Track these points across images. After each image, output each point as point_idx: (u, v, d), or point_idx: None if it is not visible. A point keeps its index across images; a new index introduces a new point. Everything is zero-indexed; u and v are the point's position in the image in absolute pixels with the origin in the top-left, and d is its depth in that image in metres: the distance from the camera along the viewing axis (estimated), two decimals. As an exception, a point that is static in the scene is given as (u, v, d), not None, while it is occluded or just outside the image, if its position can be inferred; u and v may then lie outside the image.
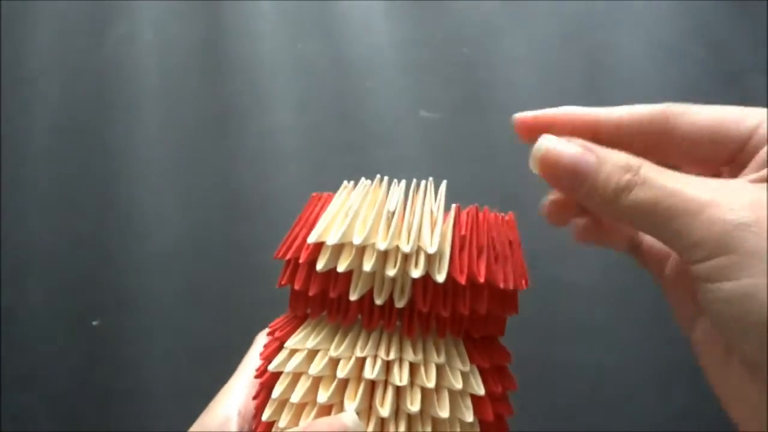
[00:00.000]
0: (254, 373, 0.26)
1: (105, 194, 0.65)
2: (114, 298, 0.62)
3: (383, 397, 0.22)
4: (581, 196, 0.21)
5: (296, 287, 0.24)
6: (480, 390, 0.23)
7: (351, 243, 0.23)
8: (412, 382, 0.23)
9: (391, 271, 0.22)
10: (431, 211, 0.23)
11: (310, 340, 0.24)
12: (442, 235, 0.23)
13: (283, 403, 0.24)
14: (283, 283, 0.25)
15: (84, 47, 0.69)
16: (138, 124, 0.66)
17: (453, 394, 0.23)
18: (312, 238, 0.23)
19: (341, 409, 0.22)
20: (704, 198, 0.19)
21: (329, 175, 0.63)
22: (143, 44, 0.69)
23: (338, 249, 0.23)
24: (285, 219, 0.72)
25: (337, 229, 0.23)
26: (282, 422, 0.23)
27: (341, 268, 0.23)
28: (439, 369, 0.23)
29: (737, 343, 0.19)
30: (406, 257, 0.22)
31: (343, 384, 0.23)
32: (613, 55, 0.63)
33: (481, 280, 0.22)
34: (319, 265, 0.23)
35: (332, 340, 0.23)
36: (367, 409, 0.23)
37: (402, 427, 0.22)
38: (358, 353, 0.23)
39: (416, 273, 0.22)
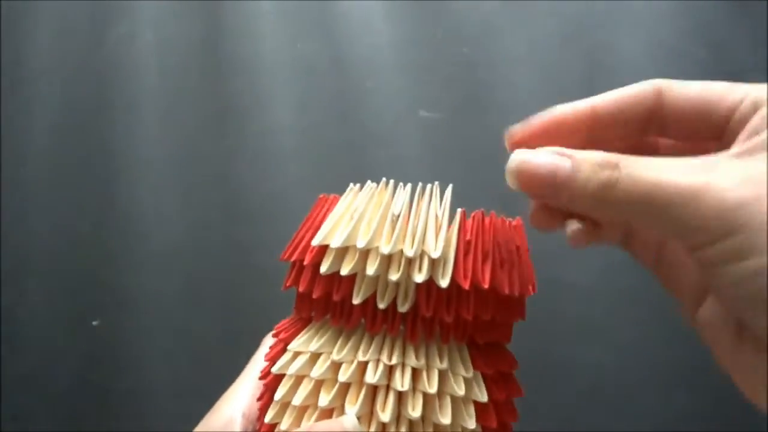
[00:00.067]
0: (259, 375, 0.26)
1: (105, 194, 0.65)
2: (114, 298, 0.62)
3: (384, 402, 0.22)
4: (566, 202, 0.21)
5: (301, 289, 0.24)
6: (483, 397, 0.23)
7: (355, 246, 0.22)
8: (414, 388, 0.22)
9: (394, 276, 0.22)
10: (436, 216, 0.23)
11: (313, 343, 0.24)
12: (447, 240, 0.22)
13: (285, 405, 0.24)
14: (288, 284, 0.25)
15: (84, 47, 0.69)
16: (138, 124, 0.66)
17: (455, 401, 0.22)
18: (316, 241, 0.23)
19: (342, 413, 0.22)
20: (697, 182, 0.18)
21: (329, 174, 0.64)
22: (143, 44, 0.69)
23: (342, 252, 0.23)
24: (285, 219, 0.72)
25: (341, 232, 0.23)
26: (284, 425, 0.23)
27: (344, 271, 0.22)
28: (442, 375, 0.22)
29: (752, 321, 0.18)
30: (409, 261, 0.22)
31: (345, 388, 0.23)
32: (613, 55, 0.63)
33: (486, 285, 0.22)
34: (323, 268, 0.23)
35: (335, 344, 0.23)
36: (368, 414, 0.22)
37: None
38: (361, 357, 0.23)
39: (419, 278, 0.22)
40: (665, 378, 0.57)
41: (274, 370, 0.24)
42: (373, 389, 0.23)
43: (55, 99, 0.68)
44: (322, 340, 0.24)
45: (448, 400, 0.22)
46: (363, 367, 0.23)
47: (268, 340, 0.30)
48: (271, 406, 0.24)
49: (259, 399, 0.26)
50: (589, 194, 0.20)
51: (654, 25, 0.64)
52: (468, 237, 0.23)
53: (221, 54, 0.68)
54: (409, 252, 0.22)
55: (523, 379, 0.26)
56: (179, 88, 0.67)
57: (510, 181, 0.22)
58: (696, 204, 0.18)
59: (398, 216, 0.23)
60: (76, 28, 0.70)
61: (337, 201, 0.25)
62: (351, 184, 0.25)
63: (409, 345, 0.23)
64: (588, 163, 0.20)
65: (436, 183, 0.24)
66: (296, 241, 0.25)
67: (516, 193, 0.22)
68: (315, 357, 0.23)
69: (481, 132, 0.59)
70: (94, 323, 0.62)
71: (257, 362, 0.30)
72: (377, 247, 0.22)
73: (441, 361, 0.23)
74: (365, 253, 0.23)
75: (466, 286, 0.22)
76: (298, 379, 0.23)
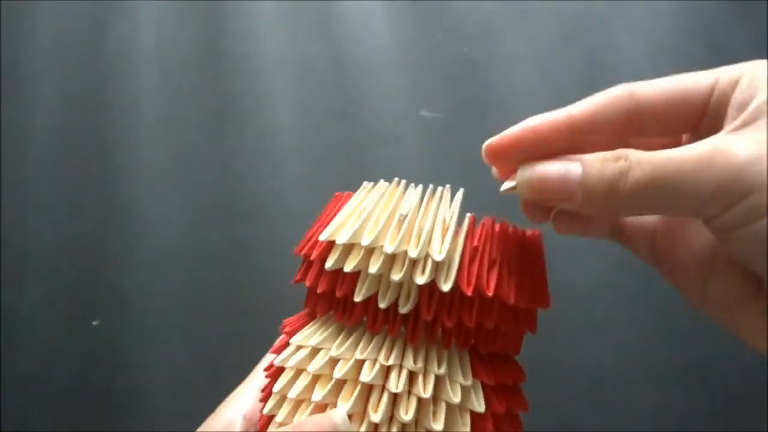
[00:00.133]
0: (264, 378, 0.26)
1: (105, 194, 0.65)
2: (114, 298, 0.62)
3: (378, 403, 0.22)
4: (581, 202, 0.21)
5: (307, 284, 0.24)
6: (480, 407, 0.22)
7: (360, 243, 0.22)
8: (409, 391, 0.22)
9: (396, 276, 0.22)
10: (444, 219, 0.23)
11: (315, 338, 0.24)
12: (453, 244, 0.22)
13: (282, 397, 0.24)
14: (297, 279, 0.25)
15: (85, 47, 0.69)
16: (138, 124, 0.66)
17: (450, 408, 0.22)
18: (324, 236, 0.23)
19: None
20: (705, 151, 0.19)
21: (329, 174, 0.64)
22: (144, 44, 0.69)
23: (348, 248, 0.23)
24: (285, 219, 0.72)
25: (348, 229, 0.23)
26: (279, 417, 0.23)
27: (348, 268, 0.22)
28: (438, 380, 0.22)
29: None
30: (413, 263, 0.22)
31: (340, 384, 0.23)
32: (613, 55, 0.63)
33: (490, 293, 0.22)
34: (328, 264, 0.23)
35: (335, 340, 0.23)
36: (360, 413, 0.22)
37: None
38: (358, 355, 0.23)
39: (421, 279, 0.22)
40: (665, 378, 0.57)
41: (276, 362, 0.24)
42: (368, 388, 0.22)
43: (56, 99, 0.68)
44: (324, 335, 0.24)
45: (442, 406, 0.22)
46: (360, 365, 0.23)
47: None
48: (271, 397, 0.24)
49: (263, 390, 0.26)
50: (603, 189, 0.20)
51: (654, 26, 0.64)
52: (475, 243, 0.22)
53: (222, 54, 0.68)
54: (413, 253, 0.22)
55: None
56: (180, 88, 0.67)
57: (524, 193, 0.22)
58: (708, 171, 0.18)
59: (406, 216, 0.22)
60: (76, 28, 0.70)
61: (350, 198, 0.25)
62: (365, 182, 0.25)
63: (409, 347, 0.23)
64: (597, 160, 0.21)
65: (447, 186, 0.24)
66: (308, 236, 0.25)
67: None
68: (315, 352, 0.23)
69: (481, 132, 0.59)
70: (94, 323, 0.62)
71: (262, 367, 0.30)
72: (381, 246, 0.22)
73: (439, 366, 0.22)
74: (369, 251, 0.23)
75: (469, 292, 0.22)
76: (297, 373, 0.24)
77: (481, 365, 0.23)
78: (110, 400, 0.60)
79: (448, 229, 0.22)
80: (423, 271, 0.22)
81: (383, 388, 0.22)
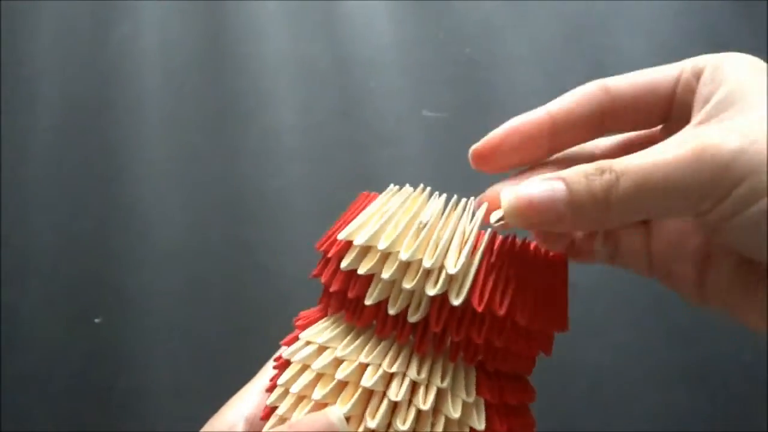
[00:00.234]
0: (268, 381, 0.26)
1: (107, 193, 0.65)
2: (116, 296, 0.62)
3: (376, 409, 0.22)
4: (571, 223, 0.21)
5: (323, 280, 0.24)
6: (479, 425, 0.22)
7: (376, 247, 0.22)
8: (409, 401, 0.22)
9: (408, 284, 0.22)
10: (464, 232, 0.22)
11: (324, 335, 0.24)
12: (469, 258, 0.22)
13: (286, 391, 0.24)
14: (314, 273, 0.25)
15: (87, 47, 0.69)
16: (141, 124, 0.67)
17: (449, 422, 0.22)
18: (342, 235, 0.23)
19: None
20: (688, 149, 0.19)
21: (332, 174, 0.64)
22: (146, 44, 0.69)
23: (365, 250, 0.23)
24: (288, 218, 0.72)
25: (367, 231, 0.23)
26: (281, 410, 0.23)
27: (362, 270, 0.22)
28: (440, 393, 0.22)
29: None
30: (427, 273, 0.22)
31: (342, 385, 0.23)
32: (615, 56, 0.64)
33: (501, 312, 0.21)
34: (343, 263, 0.23)
35: (343, 340, 0.23)
36: (359, 416, 0.22)
37: None
38: (363, 359, 0.22)
39: (432, 291, 0.21)
40: (665, 378, 0.57)
41: (284, 354, 0.24)
42: (369, 393, 0.22)
43: (58, 98, 0.68)
44: (333, 334, 0.24)
45: (442, 420, 0.22)
46: (363, 368, 0.22)
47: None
48: (275, 389, 0.24)
49: (270, 380, 0.26)
50: (593, 205, 0.20)
51: (655, 26, 0.65)
52: (493, 259, 0.22)
53: (224, 54, 0.68)
54: (427, 263, 0.21)
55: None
56: (182, 88, 0.67)
57: (512, 222, 0.21)
58: (696, 169, 0.18)
59: (426, 224, 0.22)
60: (78, 28, 0.70)
61: (374, 199, 0.24)
62: (391, 185, 0.24)
63: (415, 356, 0.22)
64: (580, 176, 0.20)
65: (472, 198, 0.23)
66: (329, 232, 0.25)
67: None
68: (322, 349, 0.23)
69: (483, 131, 0.59)
70: (96, 321, 0.62)
71: (267, 370, 0.30)
72: (397, 252, 0.22)
73: (442, 379, 0.22)
74: (385, 256, 0.22)
75: (480, 309, 0.21)
76: (302, 368, 0.24)
77: (487, 382, 0.23)
78: (111, 399, 0.60)
79: (466, 242, 0.22)
80: (436, 283, 0.21)
81: (384, 394, 0.22)
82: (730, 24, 0.64)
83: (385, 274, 0.22)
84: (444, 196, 0.23)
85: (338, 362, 0.23)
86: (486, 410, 0.22)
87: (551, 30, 0.66)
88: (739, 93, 0.20)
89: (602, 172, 0.20)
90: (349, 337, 0.23)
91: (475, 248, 0.22)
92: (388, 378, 0.22)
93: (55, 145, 0.67)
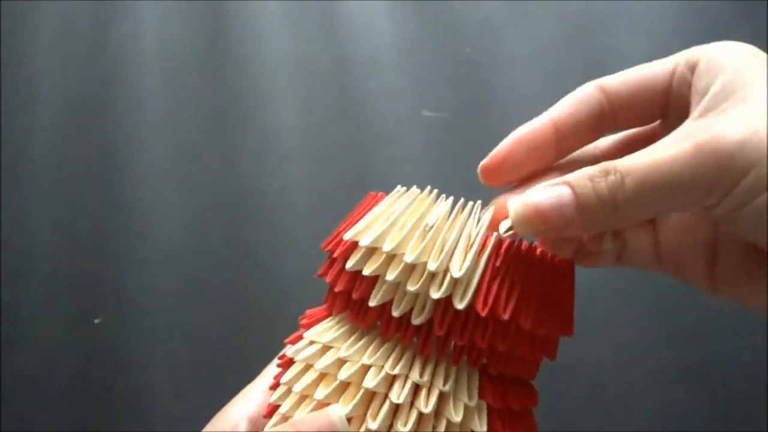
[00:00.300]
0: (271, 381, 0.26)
1: (107, 193, 0.65)
2: (116, 296, 0.62)
3: (378, 410, 0.22)
4: (580, 227, 0.21)
5: (328, 280, 0.24)
6: (481, 428, 0.22)
7: (381, 248, 0.22)
8: (411, 403, 0.22)
9: (412, 286, 0.22)
10: (469, 235, 0.22)
11: (327, 335, 0.24)
12: (474, 262, 0.22)
13: (289, 389, 0.24)
14: (319, 273, 0.25)
15: (87, 46, 0.69)
16: (141, 124, 0.67)
17: (451, 425, 0.22)
18: (348, 236, 0.23)
19: None
20: (692, 144, 0.19)
21: (332, 174, 0.64)
22: (146, 44, 0.69)
23: (370, 251, 0.23)
24: (287, 218, 0.72)
25: (372, 232, 0.23)
26: (283, 408, 0.23)
27: (367, 271, 0.22)
28: (442, 396, 0.22)
29: None
30: (431, 276, 0.22)
31: (344, 386, 0.23)
32: (615, 56, 0.64)
33: (505, 317, 0.21)
34: (349, 264, 0.23)
35: (346, 340, 0.23)
36: (360, 417, 0.22)
37: None
38: (365, 360, 0.22)
39: (436, 294, 0.21)
40: (665, 378, 0.57)
41: (288, 353, 0.24)
42: (371, 394, 0.22)
43: (58, 98, 0.68)
44: (336, 334, 0.24)
45: (443, 423, 0.22)
46: (365, 369, 0.22)
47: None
48: (279, 387, 0.24)
49: (275, 378, 0.26)
50: (601, 207, 0.20)
51: (656, 26, 0.65)
52: (498, 263, 0.22)
53: (224, 54, 0.68)
54: (432, 266, 0.21)
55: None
56: (182, 88, 0.67)
57: (521, 231, 0.21)
58: (701, 163, 0.18)
59: (431, 227, 0.22)
60: (78, 28, 0.70)
61: (382, 200, 0.24)
62: (399, 186, 0.24)
63: (418, 359, 0.22)
64: (585, 179, 0.20)
65: (479, 202, 0.23)
66: (336, 232, 0.25)
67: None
68: (325, 349, 0.23)
69: (483, 131, 0.60)
70: (96, 321, 0.62)
71: (270, 370, 0.30)
72: (402, 254, 0.22)
73: (445, 382, 0.22)
74: (390, 257, 0.22)
75: (484, 313, 0.21)
76: (306, 368, 0.24)
77: (490, 386, 0.23)
78: (111, 399, 0.60)
79: (472, 245, 0.22)
80: (440, 286, 0.21)
81: (386, 396, 0.22)
82: (730, 24, 0.64)
83: (390, 276, 0.22)
84: (451, 199, 0.23)
85: (341, 363, 0.23)
86: (488, 414, 0.22)
87: (551, 30, 0.66)
88: (736, 83, 0.20)
89: (607, 173, 0.20)
90: (352, 338, 0.23)
91: (480, 252, 0.22)
92: (391, 380, 0.22)
93: (55, 145, 0.67)
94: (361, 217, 0.24)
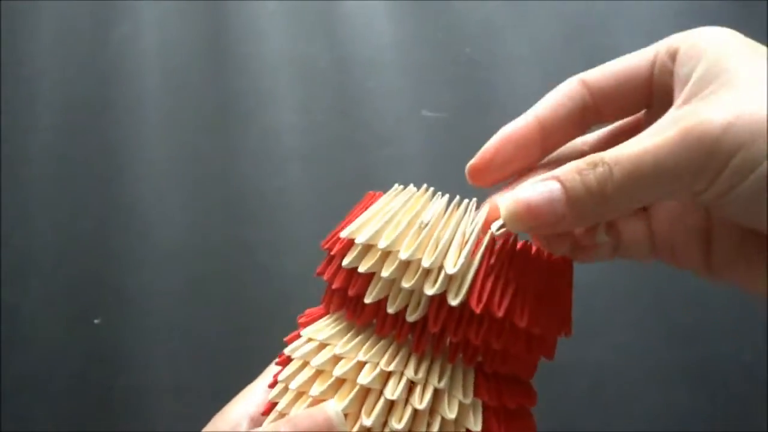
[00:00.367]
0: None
1: (107, 193, 0.65)
2: (116, 296, 0.62)
3: (372, 407, 0.22)
4: (572, 221, 0.21)
5: (325, 278, 0.24)
6: (476, 426, 0.22)
7: (376, 245, 0.22)
8: (406, 400, 0.22)
9: (406, 283, 0.22)
10: (464, 232, 0.22)
11: (324, 333, 0.24)
12: (468, 259, 0.22)
13: (286, 387, 0.24)
14: (318, 272, 0.25)
15: (87, 46, 0.69)
16: (141, 123, 0.66)
17: (445, 423, 0.22)
18: (344, 233, 0.23)
19: None
20: (677, 131, 0.19)
21: (332, 174, 0.64)
22: (146, 44, 0.69)
23: (366, 249, 0.23)
24: (287, 218, 0.72)
25: (368, 229, 0.23)
26: (280, 405, 0.24)
27: (362, 268, 0.22)
28: (437, 393, 0.22)
29: None
30: (426, 272, 0.22)
31: (339, 383, 0.23)
32: (615, 56, 0.63)
33: (500, 314, 0.21)
34: (345, 261, 0.23)
35: (342, 337, 0.23)
36: (355, 413, 0.22)
37: None
38: (361, 356, 0.22)
39: (430, 290, 0.21)
40: (666, 378, 0.57)
41: (286, 351, 0.25)
42: (366, 391, 0.22)
43: (58, 98, 0.68)
44: (333, 331, 0.24)
45: (438, 420, 0.22)
46: (360, 366, 0.23)
47: None
48: (277, 384, 0.25)
49: (273, 377, 0.26)
50: (590, 198, 0.20)
51: (655, 26, 0.65)
52: (493, 261, 0.22)
53: (224, 54, 0.68)
54: (426, 262, 0.21)
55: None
56: (182, 88, 0.67)
57: (513, 227, 0.21)
58: (687, 149, 0.18)
59: (427, 224, 0.22)
60: (78, 28, 0.70)
61: (379, 198, 0.25)
62: (396, 184, 0.24)
63: (413, 356, 0.23)
64: (573, 172, 0.20)
65: (474, 200, 0.23)
66: (334, 231, 0.25)
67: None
68: (322, 346, 0.24)
69: (483, 132, 0.59)
70: (96, 321, 0.62)
71: (271, 370, 0.30)
72: (397, 251, 0.22)
73: (440, 379, 0.22)
74: (385, 255, 0.22)
75: (478, 310, 0.21)
76: (302, 365, 0.24)
77: (486, 384, 0.23)
78: (111, 399, 0.60)
79: (466, 242, 0.22)
80: (434, 282, 0.21)
81: (380, 393, 0.22)
82: (729, 24, 0.63)
83: (385, 273, 0.22)
84: (446, 196, 0.23)
85: (337, 359, 0.23)
86: (483, 412, 0.22)
87: (551, 30, 0.66)
88: (718, 67, 0.20)
89: (595, 165, 0.20)
90: (348, 335, 0.23)
91: (475, 249, 0.22)
92: (386, 377, 0.22)
93: (55, 145, 0.67)
94: (359, 216, 0.24)
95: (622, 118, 0.25)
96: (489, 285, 0.22)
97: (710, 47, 0.20)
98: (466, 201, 0.23)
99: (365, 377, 0.22)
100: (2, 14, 0.70)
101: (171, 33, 0.69)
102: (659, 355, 0.57)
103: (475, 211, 0.23)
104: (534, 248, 0.23)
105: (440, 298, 0.22)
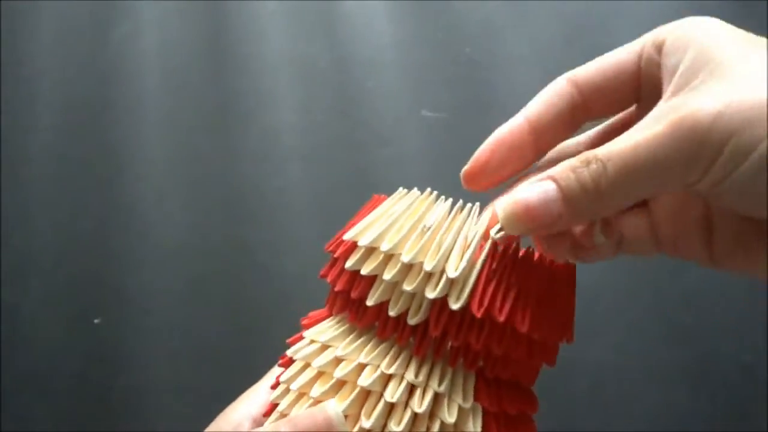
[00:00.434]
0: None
1: (107, 193, 0.65)
2: (116, 297, 0.62)
3: (372, 409, 0.22)
4: (569, 220, 0.21)
5: (329, 280, 0.25)
6: (474, 431, 0.22)
7: (379, 248, 0.22)
8: (405, 403, 0.22)
9: (408, 286, 0.22)
10: (466, 237, 0.22)
11: (326, 335, 0.24)
12: (470, 263, 0.22)
13: (287, 388, 0.24)
14: (321, 274, 0.26)
15: (87, 46, 0.69)
16: (141, 123, 0.67)
17: (445, 427, 0.22)
18: (348, 236, 0.24)
19: None
20: (668, 123, 0.19)
21: (331, 174, 0.64)
22: (146, 44, 0.69)
23: (369, 251, 0.23)
24: (287, 218, 0.72)
25: (372, 232, 0.23)
26: (281, 406, 0.24)
27: (365, 271, 0.23)
28: (437, 397, 0.22)
29: None
30: (428, 276, 0.22)
31: (340, 384, 0.23)
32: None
33: (501, 319, 0.21)
34: (348, 264, 0.23)
35: (344, 339, 0.23)
36: (355, 415, 0.22)
37: None
38: (362, 359, 0.23)
39: (432, 294, 0.21)
40: (665, 377, 0.57)
41: (288, 352, 0.25)
42: (366, 393, 0.22)
43: (58, 98, 0.68)
44: (335, 333, 0.24)
45: (437, 424, 0.22)
46: (361, 368, 0.23)
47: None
48: (279, 385, 0.25)
49: (277, 377, 0.26)
50: (586, 196, 0.20)
51: (656, 26, 0.64)
52: (495, 265, 0.22)
53: (224, 54, 0.68)
54: (428, 266, 0.22)
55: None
56: (182, 88, 0.68)
57: (511, 230, 0.21)
58: (675, 139, 0.18)
59: (429, 228, 0.22)
60: (78, 28, 0.70)
61: (384, 201, 0.25)
62: (400, 188, 0.25)
63: (414, 359, 0.23)
64: (567, 171, 0.20)
65: (477, 204, 0.23)
66: (338, 234, 0.25)
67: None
68: (323, 348, 0.24)
69: (483, 132, 0.59)
70: (96, 321, 0.62)
71: (274, 371, 0.30)
72: (399, 254, 0.22)
73: (440, 383, 0.22)
74: (388, 258, 0.23)
75: (479, 314, 0.21)
76: (304, 366, 0.24)
77: (486, 389, 0.23)
78: (111, 399, 0.60)
79: (469, 246, 0.22)
80: (435, 286, 0.22)
81: (381, 395, 0.22)
82: (729, 24, 0.64)
83: (387, 276, 0.22)
84: (450, 200, 0.23)
85: (338, 361, 0.23)
86: (483, 417, 0.22)
87: (551, 30, 0.66)
88: (705, 57, 0.20)
89: (588, 162, 0.20)
90: (350, 337, 0.24)
91: (478, 254, 0.22)
92: (386, 379, 0.22)
93: (55, 145, 0.67)
94: (362, 219, 0.24)
95: (613, 113, 0.25)
96: (490, 289, 0.22)
97: (697, 37, 0.20)
98: (469, 205, 0.23)
99: (366, 379, 0.22)
100: (2, 14, 0.70)
101: (171, 33, 0.69)
102: (659, 354, 0.57)
103: (478, 215, 0.23)
104: (537, 254, 0.23)
105: (441, 301, 0.22)
